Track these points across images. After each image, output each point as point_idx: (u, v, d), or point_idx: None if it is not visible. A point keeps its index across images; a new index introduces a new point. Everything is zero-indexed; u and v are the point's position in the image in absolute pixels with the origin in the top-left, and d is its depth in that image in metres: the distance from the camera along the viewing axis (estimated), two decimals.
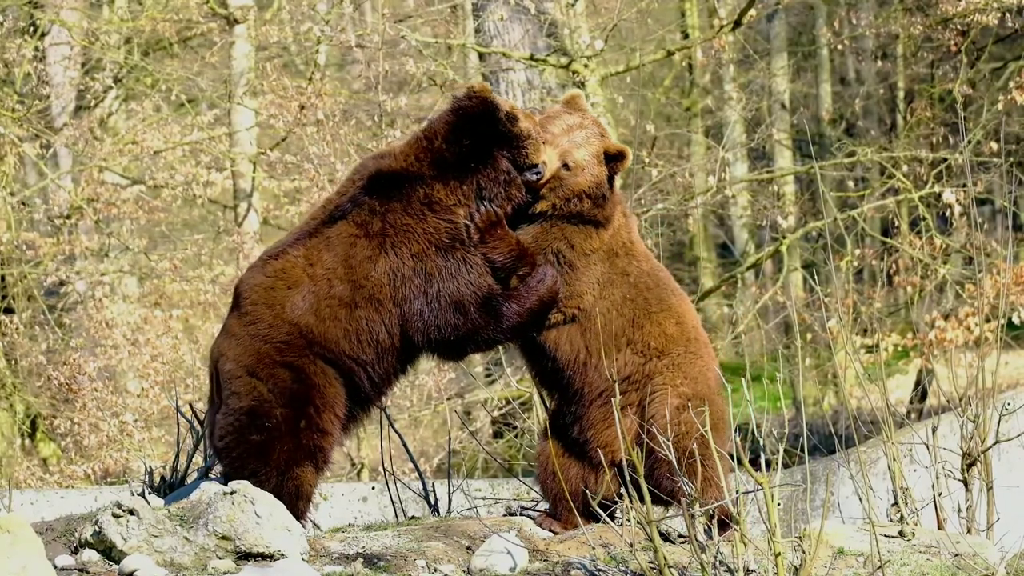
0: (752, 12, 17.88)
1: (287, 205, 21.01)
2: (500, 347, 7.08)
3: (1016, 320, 17.37)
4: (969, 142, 18.29)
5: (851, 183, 22.13)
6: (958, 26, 19.61)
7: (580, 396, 6.78)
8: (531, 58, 17.07)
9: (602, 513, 6.54)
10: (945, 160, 18.56)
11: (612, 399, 6.38)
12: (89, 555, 6.26)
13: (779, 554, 5.83)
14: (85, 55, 20.90)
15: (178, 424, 8.25)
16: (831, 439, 11.21)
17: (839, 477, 9.66)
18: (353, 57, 23.57)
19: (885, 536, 6.61)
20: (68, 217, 19.84)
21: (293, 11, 20.93)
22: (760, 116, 23.59)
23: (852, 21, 21.73)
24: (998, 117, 18.61)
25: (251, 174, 20.80)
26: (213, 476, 7.25)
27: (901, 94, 24.98)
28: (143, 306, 19.80)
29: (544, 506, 7.07)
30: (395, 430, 8.47)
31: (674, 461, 6.20)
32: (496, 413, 18.05)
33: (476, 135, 6.63)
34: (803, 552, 6.03)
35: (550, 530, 6.80)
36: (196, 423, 8.02)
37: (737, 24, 17.94)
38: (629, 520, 6.73)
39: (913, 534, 6.66)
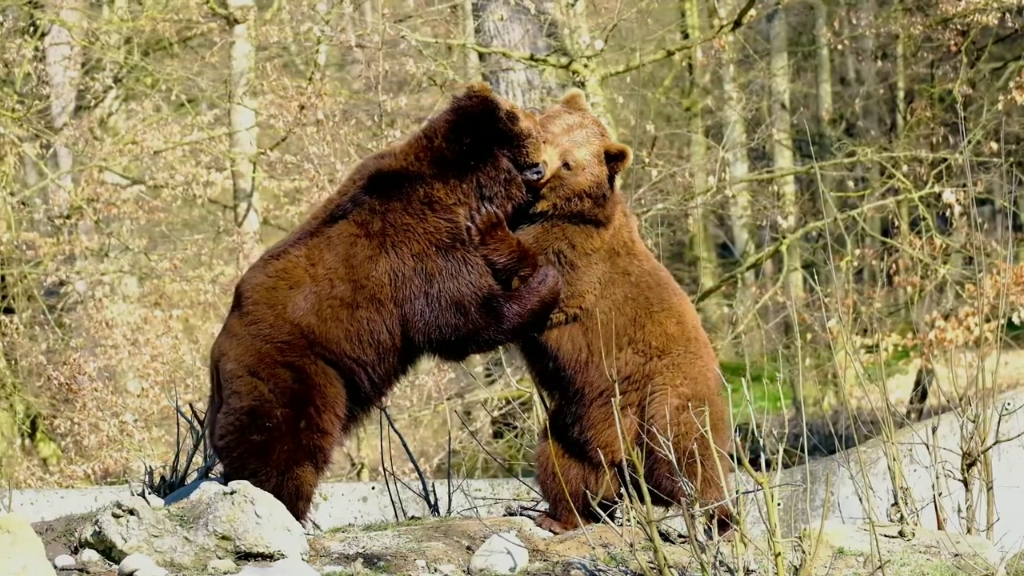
0: (752, 12, 17.88)
1: (287, 205, 21.01)
2: (501, 347, 7.07)
3: (1016, 320, 17.37)
4: (969, 142, 18.29)
5: (851, 183, 22.13)
6: (958, 26, 19.61)
7: (580, 396, 6.78)
8: (531, 58, 17.07)
9: (602, 513, 6.54)
10: (945, 160, 18.56)
11: (612, 399, 6.38)
12: (89, 555, 6.26)
13: (779, 554, 5.83)
14: (85, 55, 20.90)
15: (178, 424, 8.25)
16: (831, 439, 11.22)
17: (839, 477, 9.66)
18: (353, 57, 23.57)
19: (885, 536, 6.61)
20: (68, 217, 19.84)
21: (293, 11, 20.93)
22: (760, 116, 23.59)
23: (852, 21, 21.73)
24: (998, 117, 18.61)
25: (251, 174, 20.80)
26: (213, 476, 7.25)
27: (901, 94, 24.98)
28: (143, 306, 19.81)
29: (544, 506, 7.07)
30: (395, 430, 8.47)
31: (674, 461, 6.20)
32: (496, 413, 18.05)
33: (476, 134, 6.63)
34: (803, 552, 6.03)
35: (550, 530, 6.80)
36: (196, 423, 8.02)
37: (737, 24, 17.94)
38: (629, 520, 6.73)
39: (913, 534, 6.66)
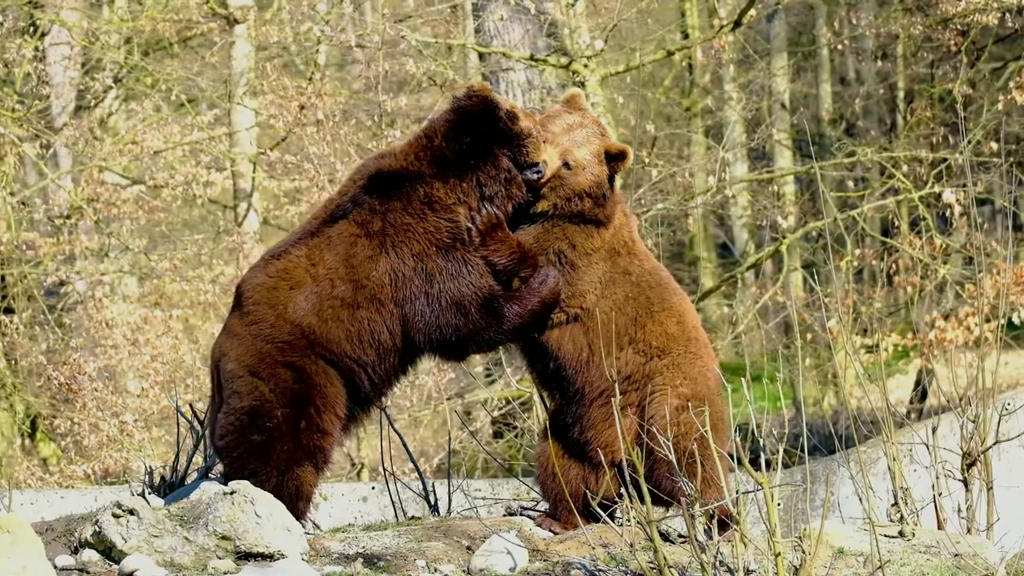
0: (752, 12, 17.88)
1: (287, 205, 21.01)
2: (501, 347, 7.07)
3: (1016, 320, 17.37)
4: (969, 142, 18.29)
5: (851, 183, 22.13)
6: (958, 26, 19.61)
7: (581, 396, 6.78)
8: (531, 58, 17.07)
9: (602, 513, 6.54)
10: (945, 160, 18.56)
11: (612, 399, 6.38)
12: (89, 555, 6.26)
13: (779, 554, 5.83)
14: (85, 55, 20.90)
15: (178, 424, 8.25)
16: (831, 439, 11.22)
17: (839, 477, 9.66)
18: (353, 57, 23.57)
19: (885, 536, 6.61)
20: (68, 217, 19.84)
21: (293, 11, 20.93)
22: (760, 116, 23.59)
23: (852, 21, 21.73)
24: (998, 117, 18.61)
25: (251, 174, 20.80)
26: (213, 476, 7.26)
27: (901, 94, 24.98)
28: (143, 306, 19.81)
29: (544, 506, 7.07)
30: (395, 430, 8.46)
31: (674, 461, 6.20)
32: (496, 413, 18.05)
33: (476, 133, 6.64)
34: (803, 552, 6.03)
35: (550, 530, 6.80)
36: (196, 423, 8.02)
37: (737, 24, 17.94)
38: (629, 520, 6.73)
39: (913, 534, 6.66)
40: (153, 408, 17.83)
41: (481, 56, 18.42)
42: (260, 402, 6.53)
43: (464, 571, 6.33)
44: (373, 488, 10.89)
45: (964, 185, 17.59)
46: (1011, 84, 19.04)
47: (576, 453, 6.82)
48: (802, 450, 7.69)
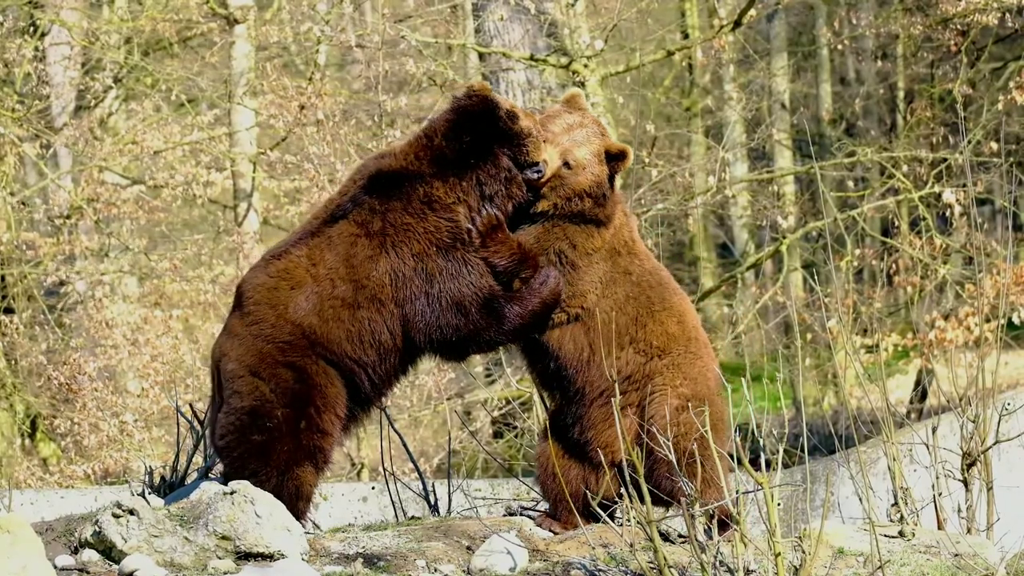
0: (752, 12, 17.88)
1: (287, 205, 21.01)
2: (501, 348, 7.07)
3: (1016, 320, 17.37)
4: (969, 142, 18.29)
5: (851, 183, 22.13)
6: (958, 26, 19.61)
7: (581, 396, 6.78)
8: (531, 58, 17.07)
9: (602, 513, 6.54)
10: (945, 160, 18.56)
11: (612, 399, 6.38)
12: (89, 555, 6.26)
13: (779, 554, 5.83)
14: (85, 55, 20.90)
15: (178, 424, 8.25)
16: (831, 439, 11.22)
17: (839, 477, 9.66)
18: (353, 57, 23.57)
19: (885, 536, 6.61)
20: (68, 217, 19.84)
21: (293, 11, 20.93)
22: (760, 116, 23.59)
23: (852, 21, 21.73)
24: (998, 117, 18.61)
25: (251, 174, 20.80)
26: (213, 476, 7.26)
27: (901, 94, 24.98)
28: (143, 306, 19.81)
29: (544, 506, 7.07)
30: (395, 430, 8.47)
31: (674, 461, 6.20)
32: (496, 413, 18.05)
33: (476, 133, 6.64)
34: (803, 552, 6.03)
35: (550, 530, 6.80)
36: (196, 423, 8.02)
37: (737, 24, 17.94)
38: (629, 520, 6.73)
39: (913, 534, 6.66)
40: (153, 408, 17.83)
41: (481, 56, 18.42)
42: (260, 402, 6.53)
43: (464, 571, 6.33)
44: (373, 488, 10.90)
45: (964, 185, 17.59)
46: (1011, 84, 19.04)
47: (576, 453, 6.82)
48: (802, 450, 7.69)
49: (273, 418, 6.52)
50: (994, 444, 7.22)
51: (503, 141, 6.64)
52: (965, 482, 7.18)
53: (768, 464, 5.92)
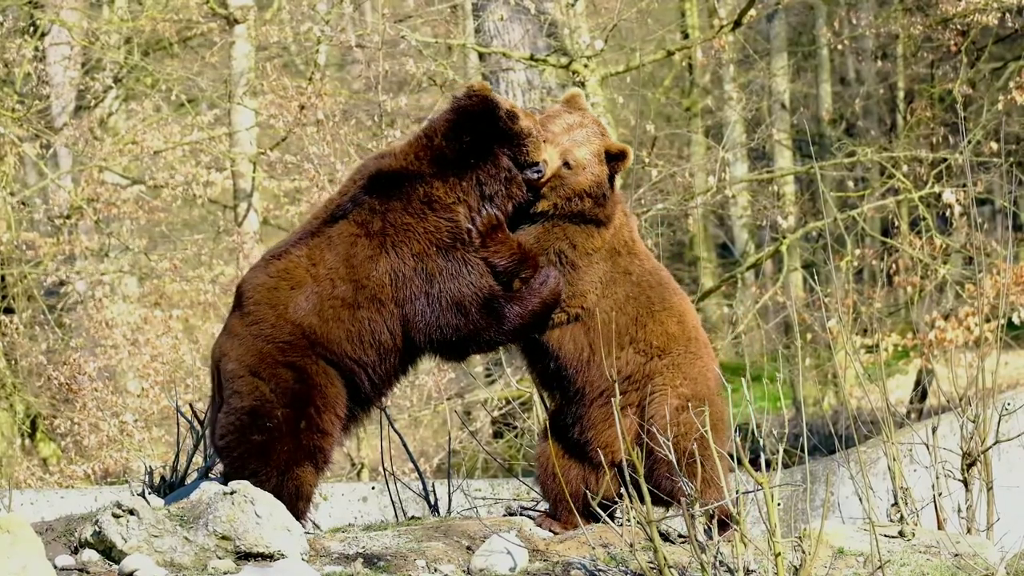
0: (752, 12, 17.88)
1: (287, 205, 21.01)
2: (501, 348, 7.07)
3: (1016, 320, 17.38)
4: (969, 142, 18.29)
5: (851, 183, 22.13)
6: (958, 26, 19.61)
7: (581, 396, 6.78)
8: (531, 58, 17.07)
9: (602, 513, 6.54)
10: (945, 160, 18.56)
11: (612, 399, 6.38)
12: (89, 555, 6.26)
13: (779, 554, 5.83)
14: (85, 55, 20.90)
15: (178, 424, 8.25)
16: (831, 439, 11.21)
17: (839, 477, 9.66)
18: (353, 57, 23.57)
19: (885, 536, 6.61)
20: (68, 217, 19.84)
21: (293, 11, 20.93)
22: (760, 116, 23.58)
23: (852, 21, 21.74)
24: (998, 117, 18.61)
25: (251, 174, 20.81)
26: (213, 476, 7.26)
27: (901, 94, 24.98)
28: (143, 306, 19.81)
29: (544, 506, 7.07)
30: (395, 430, 8.46)
31: (674, 462, 6.20)
32: (496, 413, 18.05)
33: (476, 133, 6.64)
34: (803, 552, 6.03)
35: (550, 530, 6.80)
36: (196, 423, 8.02)
37: (737, 24, 17.94)
38: (629, 520, 6.73)
39: (913, 534, 6.66)
40: (153, 408, 17.84)
41: (481, 56, 18.42)
42: (261, 402, 6.53)
43: (464, 571, 6.33)
44: (373, 488, 10.89)
45: (964, 185, 17.59)
46: (1011, 84, 19.04)
47: (576, 453, 6.82)
48: (802, 450, 7.69)
49: (273, 418, 6.52)
50: (994, 444, 7.22)
51: (503, 141, 6.64)
52: (965, 482, 7.18)
53: (768, 464, 5.92)
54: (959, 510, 7.16)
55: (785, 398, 19.74)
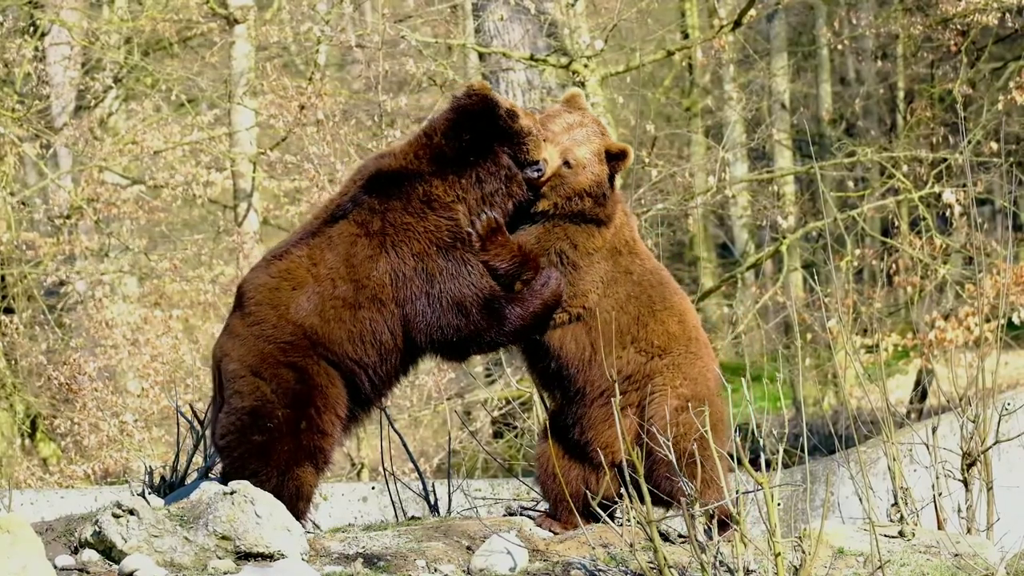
0: (752, 12, 17.88)
1: (287, 205, 21.01)
2: (502, 348, 7.06)
3: (1016, 320, 17.37)
4: (969, 142, 18.29)
5: (851, 183, 22.12)
6: (958, 26, 19.61)
7: (582, 396, 6.78)
8: (531, 58, 17.07)
9: (602, 513, 6.54)
10: (945, 160, 18.56)
11: (612, 399, 6.38)
12: (89, 555, 6.26)
13: (779, 554, 5.83)
14: (85, 55, 20.90)
15: (178, 424, 8.25)
16: (831, 439, 11.22)
17: (839, 477, 9.66)
18: (353, 57, 23.57)
19: (885, 536, 6.61)
20: (68, 217, 19.84)
21: (293, 11, 20.93)
22: (760, 116, 23.58)
23: (852, 21, 21.74)
24: (998, 117, 18.61)
25: (251, 174, 20.81)
26: (213, 476, 7.26)
27: (901, 94, 24.98)
28: (143, 306, 19.81)
29: (544, 506, 7.07)
30: (395, 430, 8.46)
31: (673, 462, 6.20)
32: (496, 413, 18.05)
33: (476, 132, 6.64)
34: (803, 552, 6.03)
35: (550, 530, 6.80)
36: (196, 423, 8.02)
37: (737, 24, 17.94)
38: (629, 520, 6.73)
39: (913, 534, 6.66)
40: (153, 408, 17.84)
41: (481, 56, 18.42)
42: (261, 402, 6.53)
43: (464, 571, 6.33)
44: (373, 488, 10.89)
45: (964, 185, 17.59)
46: (1011, 84, 19.04)
47: (576, 453, 6.82)
48: (802, 450, 7.69)
49: (274, 418, 6.52)
50: (994, 444, 7.22)
51: (503, 140, 6.64)
52: (965, 482, 7.18)
53: (768, 464, 5.92)
54: (959, 510, 7.16)
55: (785, 398, 19.74)
